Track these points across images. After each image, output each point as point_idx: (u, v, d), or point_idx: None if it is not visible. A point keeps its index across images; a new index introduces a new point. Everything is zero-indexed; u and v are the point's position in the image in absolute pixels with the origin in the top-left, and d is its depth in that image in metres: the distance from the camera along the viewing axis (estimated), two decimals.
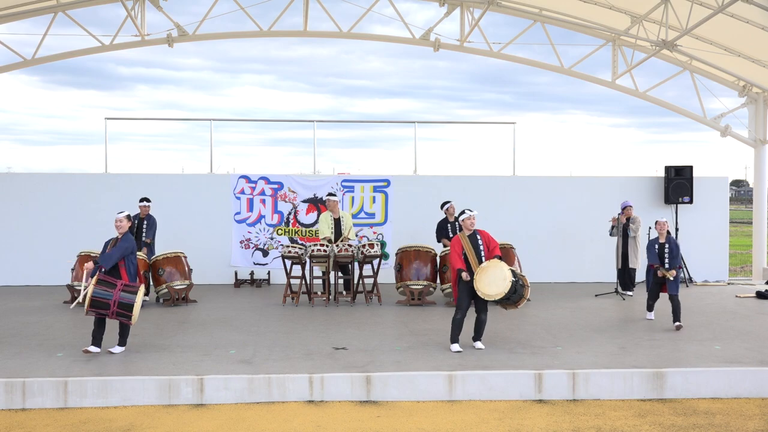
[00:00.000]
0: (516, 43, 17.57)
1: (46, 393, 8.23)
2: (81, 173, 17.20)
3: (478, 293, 9.65)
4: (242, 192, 16.68)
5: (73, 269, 13.66)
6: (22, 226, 16.31)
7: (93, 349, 9.46)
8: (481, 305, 9.88)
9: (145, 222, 14.18)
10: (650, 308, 12.19)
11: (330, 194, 14.48)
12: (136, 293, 9.45)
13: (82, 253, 13.72)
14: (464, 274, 9.66)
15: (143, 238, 14.07)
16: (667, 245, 11.65)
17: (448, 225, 14.24)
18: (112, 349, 9.61)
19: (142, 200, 14.29)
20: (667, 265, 11.60)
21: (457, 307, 9.84)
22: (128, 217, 9.94)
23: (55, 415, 7.99)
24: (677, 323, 11.35)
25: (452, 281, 10.00)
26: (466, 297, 9.78)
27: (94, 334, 9.52)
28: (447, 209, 14.28)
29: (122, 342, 9.69)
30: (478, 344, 9.95)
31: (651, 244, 11.81)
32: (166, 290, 13.64)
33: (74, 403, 8.24)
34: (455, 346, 9.74)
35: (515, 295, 9.81)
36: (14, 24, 16.96)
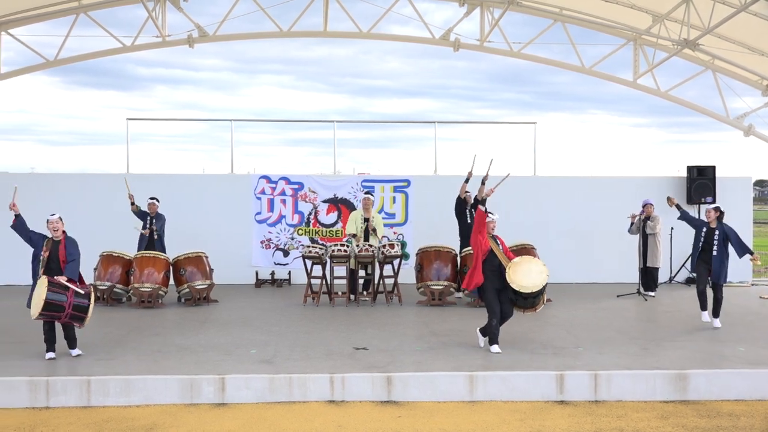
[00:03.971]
0: (536, 42, 17.50)
1: (70, 392, 8.30)
2: (103, 173, 17.31)
3: (513, 285, 9.54)
4: (263, 192, 16.72)
5: (95, 269, 13.74)
6: (45, 226, 16.39)
7: (51, 355, 9.39)
8: (506, 300, 9.82)
9: (154, 219, 14.26)
10: (703, 305, 11.66)
11: (367, 192, 14.53)
12: (89, 297, 9.44)
13: (104, 253, 13.81)
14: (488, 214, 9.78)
15: (155, 232, 14.21)
16: (717, 230, 11.41)
17: (466, 210, 14.14)
18: (73, 353, 9.54)
19: (152, 198, 14.37)
20: (714, 252, 11.39)
21: (490, 314, 9.79)
22: (61, 218, 9.78)
23: (78, 413, 8.05)
24: (715, 320, 11.28)
25: (472, 270, 9.86)
26: (495, 299, 9.76)
27: (49, 340, 9.44)
28: (468, 193, 14.14)
29: (75, 344, 9.61)
30: (480, 342, 10.00)
31: (700, 220, 11.84)
32: (187, 290, 13.70)
33: (97, 401, 8.30)
34: (495, 347, 9.71)
35: (533, 299, 9.74)
36: (36, 26, 17.08)
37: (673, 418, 7.92)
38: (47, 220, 9.59)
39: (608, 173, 18.25)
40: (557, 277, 15.83)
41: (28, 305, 9.42)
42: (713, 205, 11.77)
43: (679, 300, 14.43)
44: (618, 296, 14.81)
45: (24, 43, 16.89)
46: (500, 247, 9.88)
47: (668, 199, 12.61)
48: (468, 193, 14.16)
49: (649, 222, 14.87)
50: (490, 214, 10.05)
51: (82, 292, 9.38)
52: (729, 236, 11.38)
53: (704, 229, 11.56)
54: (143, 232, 14.12)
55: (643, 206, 15.01)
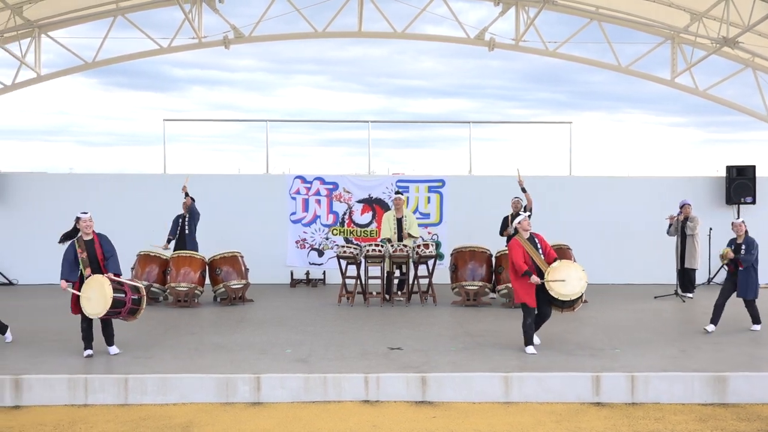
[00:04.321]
0: (571, 41, 17.37)
1: (108, 389, 8.39)
2: (140, 174, 17.50)
3: (551, 292, 9.52)
4: (298, 192, 16.77)
5: (133, 268, 13.89)
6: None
7: (89, 352, 9.48)
8: (545, 303, 9.78)
9: (188, 216, 14.40)
10: (714, 317, 11.25)
11: (397, 192, 14.55)
12: (141, 290, 9.66)
13: (142, 253, 13.95)
14: (534, 278, 9.53)
15: (186, 233, 14.34)
16: (744, 244, 11.08)
17: (509, 217, 14.16)
18: (111, 351, 9.62)
19: (186, 196, 14.47)
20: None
21: (525, 313, 9.74)
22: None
23: (116, 411, 8.14)
24: (755, 326, 11.14)
25: (513, 282, 9.86)
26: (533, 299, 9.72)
27: (87, 338, 9.53)
28: (513, 203, 14.17)
29: (113, 341, 9.72)
30: (536, 339, 9.92)
31: (729, 243, 11.35)
32: (223, 289, 13.79)
33: (134, 399, 8.39)
34: (530, 348, 9.66)
35: (572, 301, 9.68)
36: (75, 28, 17.30)
37: (711, 421, 7.81)
38: (79, 218, 9.58)
39: (645, 173, 18.11)
40: (594, 277, 15.62)
41: (72, 309, 9.50)
42: (740, 220, 11.39)
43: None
44: (655, 297, 14.65)
45: (63, 45, 17.12)
46: (539, 245, 9.82)
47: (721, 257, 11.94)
48: (517, 198, 14.18)
49: (687, 222, 14.68)
50: (522, 213, 10.00)
51: (139, 285, 9.58)
52: (748, 246, 11.01)
53: (733, 246, 11.21)
54: (163, 246, 14.22)
55: (681, 207, 14.82)
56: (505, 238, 14.29)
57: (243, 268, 14.04)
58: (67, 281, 9.43)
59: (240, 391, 8.42)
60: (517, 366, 8.91)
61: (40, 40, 16.99)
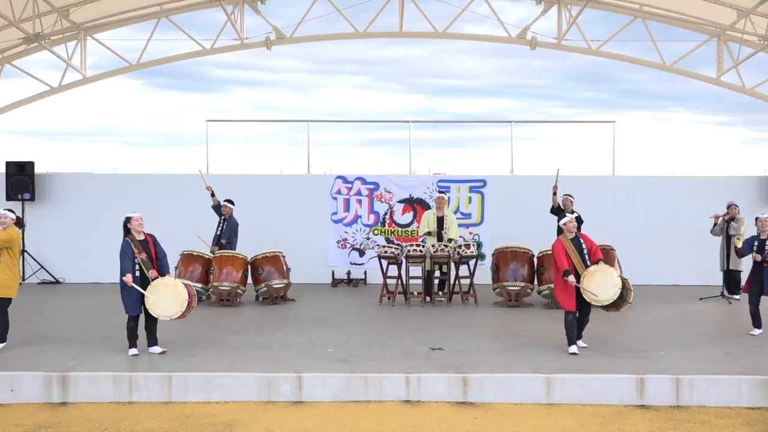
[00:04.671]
0: (614, 39, 17.21)
1: (152, 387, 8.51)
2: (183, 174, 17.71)
3: (585, 296, 9.51)
4: (339, 192, 16.83)
5: (176, 268, 14.04)
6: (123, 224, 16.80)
7: (135, 351, 9.57)
8: (585, 306, 9.76)
9: (226, 222, 14.49)
10: (755, 321, 11.00)
11: (440, 191, 14.56)
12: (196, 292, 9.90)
13: (185, 252, 14.10)
14: (571, 278, 9.49)
15: (220, 238, 14.43)
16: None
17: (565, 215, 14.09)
18: (156, 350, 9.71)
19: (226, 200, 14.59)
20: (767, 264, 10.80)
21: (565, 310, 9.73)
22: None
23: (160, 408, 8.25)
24: None
25: (556, 284, 9.86)
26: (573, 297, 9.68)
27: (133, 337, 9.61)
28: (563, 201, 14.08)
29: (157, 341, 9.82)
30: (580, 343, 9.84)
31: (751, 239, 11.13)
32: (265, 289, 13.90)
33: (177, 397, 8.49)
34: (572, 348, 9.61)
35: (618, 299, 9.63)
36: (120, 30, 17.59)
37: (760, 425, 7.69)
38: (130, 218, 9.70)
39: (690, 173, 17.84)
40: (637, 279, 15.41)
41: (130, 308, 9.58)
42: (766, 215, 11.05)
43: (765, 303, 13.97)
44: (701, 299, 14.44)
45: (108, 47, 17.40)
46: (584, 246, 9.77)
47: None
48: (567, 196, 14.11)
49: (732, 223, 14.44)
50: (568, 214, 9.97)
51: (200, 286, 9.78)
52: None
53: (755, 242, 10.97)
54: (211, 249, 14.34)
55: (728, 207, 14.59)
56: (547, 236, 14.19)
57: (285, 268, 14.14)
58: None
59: (282, 390, 8.49)
60: (559, 367, 8.85)
61: (85, 43, 17.28)
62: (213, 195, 14.57)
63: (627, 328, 11.40)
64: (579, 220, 11.56)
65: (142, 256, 9.53)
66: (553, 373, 8.58)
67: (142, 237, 9.68)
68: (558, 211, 14.06)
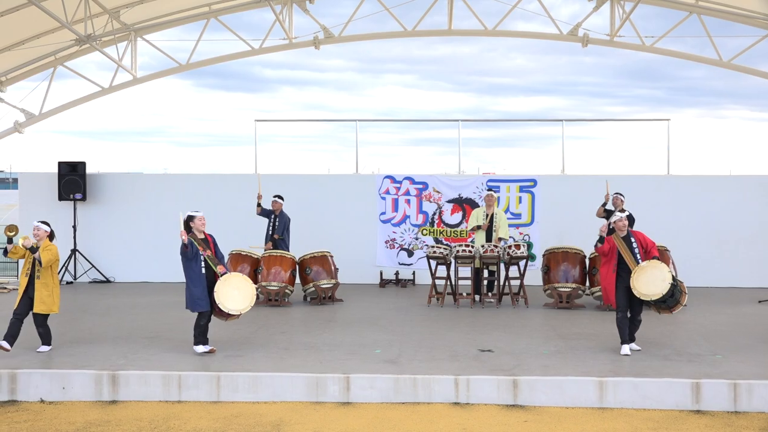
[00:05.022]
0: (669, 35, 16.92)
1: (200, 386, 8.59)
2: (232, 174, 17.86)
3: (634, 291, 9.41)
4: (387, 192, 16.84)
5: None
6: (178, 225, 16.95)
7: (206, 348, 9.69)
8: (637, 307, 9.63)
9: (278, 219, 14.56)
10: None
11: (490, 189, 14.52)
12: None
13: (233, 252, 14.20)
14: (603, 227, 9.75)
15: (272, 234, 14.48)
16: None
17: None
18: (205, 349, 9.75)
19: (275, 196, 14.66)
20: None
21: (616, 308, 9.65)
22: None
23: (209, 407, 8.33)
24: None
25: (602, 285, 9.77)
26: (623, 296, 9.60)
27: (204, 334, 9.75)
28: (614, 200, 13.89)
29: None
30: (633, 345, 9.70)
31: None
32: (313, 289, 13.95)
33: (226, 396, 8.56)
34: (624, 348, 9.50)
35: (671, 300, 9.50)
36: (169, 31, 17.81)
37: None
38: (194, 217, 9.84)
39: (748, 171, 17.47)
40: (693, 280, 15.19)
41: (193, 305, 9.67)
42: None
43: None
44: (760, 302, 14.12)
45: (158, 48, 17.62)
46: (634, 244, 9.65)
47: None
48: (617, 194, 13.89)
49: None
50: (618, 213, 9.90)
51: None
52: None
53: None
54: (266, 246, 14.42)
55: None
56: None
57: (333, 268, 14.17)
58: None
59: (330, 391, 8.51)
60: (612, 370, 8.73)
61: (136, 44, 17.52)
62: (259, 205, 14.64)
63: (682, 331, 11.20)
64: (630, 219, 11.38)
65: (208, 253, 9.66)
66: (606, 376, 8.47)
67: (202, 236, 9.81)
68: (608, 213, 13.88)
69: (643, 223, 13.37)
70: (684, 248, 15.45)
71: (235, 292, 9.61)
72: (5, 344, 9.42)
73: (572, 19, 17.40)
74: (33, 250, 9.45)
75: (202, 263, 9.67)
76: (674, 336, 10.82)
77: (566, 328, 11.54)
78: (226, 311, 9.61)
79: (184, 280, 9.76)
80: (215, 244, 9.92)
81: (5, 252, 9.63)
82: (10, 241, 9.60)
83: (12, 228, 9.67)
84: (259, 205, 14.64)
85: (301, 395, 8.52)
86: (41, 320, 9.73)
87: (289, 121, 20.48)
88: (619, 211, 13.53)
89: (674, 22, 16.70)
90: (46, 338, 9.86)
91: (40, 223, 9.77)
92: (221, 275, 9.61)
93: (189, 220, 9.85)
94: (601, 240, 9.87)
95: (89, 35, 15.87)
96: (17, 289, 10.08)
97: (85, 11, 15.29)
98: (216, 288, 9.55)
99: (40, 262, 9.47)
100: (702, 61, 17.41)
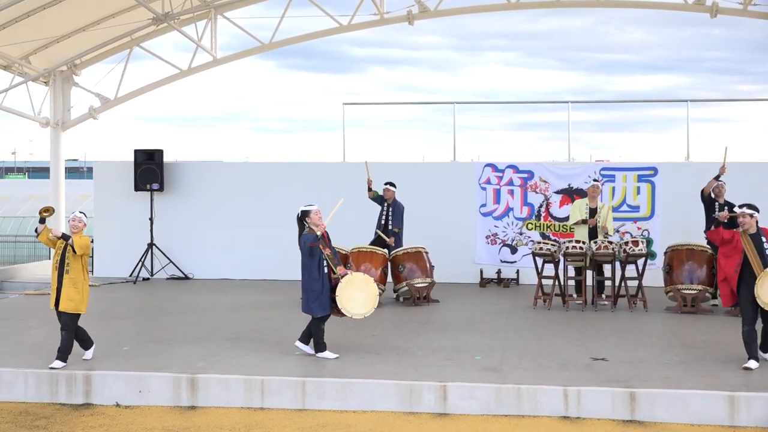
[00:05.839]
0: None
1: (284, 393, 8.71)
2: (319, 162, 18.06)
3: (759, 302, 9.10)
4: (488, 182, 16.77)
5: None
6: (261, 217, 17.30)
7: (334, 354, 9.87)
8: (766, 314, 9.33)
9: (391, 208, 14.59)
10: None
11: (594, 180, 14.37)
12: None
13: (354, 250, 14.28)
14: (722, 214, 9.56)
15: (390, 227, 14.52)
16: None
17: (716, 204, 13.51)
18: (313, 351, 9.93)
19: (387, 183, 14.69)
20: None
21: (742, 320, 9.37)
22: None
23: (293, 416, 8.44)
24: None
25: (721, 284, 9.53)
26: (750, 305, 9.26)
27: (308, 335, 9.95)
28: (718, 187, 13.55)
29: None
30: (765, 356, 9.44)
31: None
32: (406, 288, 14.00)
33: (312, 404, 8.66)
34: (751, 362, 9.21)
35: None
36: (251, 8, 18.04)
37: None
38: (308, 212, 9.85)
39: None
40: None
41: (314, 309, 9.83)
42: None
43: None
44: None
45: (239, 26, 17.93)
46: (766, 244, 9.32)
47: None
48: (721, 183, 13.54)
49: None
50: (739, 208, 9.47)
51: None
52: None
53: None
54: (389, 242, 14.47)
55: None
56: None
57: (428, 266, 14.19)
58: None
59: (425, 401, 8.52)
60: (743, 384, 8.50)
61: (216, 22, 17.86)
62: (370, 189, 14.70)
63: None
64: (732, 212, 10.97)
65: (327, 252, 9.78)
66: (737, 390, 8.25)
67: (320, 232, 9.78)
68: (710, 200, 13.53)
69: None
70: None
71: (357, 294, 9.76)
72: (87, 355, 9.65)
73: None
74: (66, 237, 9.35)
75: (325, 262, 9.78)
76: None
77: (690, 335, 11.30)
78: (350, 316, 9.78)
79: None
80: (330, 241, 10.01)
81: (37, 233, 9.45)
82: (42, 221, 9.43)
83: (48, 209, 9.68)
84: (370, 189, 14.68)
85: (393, 404, 8.56)
86: (66, 320, 9.37)
87: (380, 104, 20.65)
88: (722, 201, 13.21)
89: None
90: (85, 343, 9.71)
91: (81, 214, 9.64)
92: (342, 277, 9.73)
93: (304, 215, 9.89)
94: (717, 224, 9.57)
95: (167, 13, 16.22)
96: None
97: None
98: (338, 291, 9.67)
99: (73, 249, 9.28)
100: None
